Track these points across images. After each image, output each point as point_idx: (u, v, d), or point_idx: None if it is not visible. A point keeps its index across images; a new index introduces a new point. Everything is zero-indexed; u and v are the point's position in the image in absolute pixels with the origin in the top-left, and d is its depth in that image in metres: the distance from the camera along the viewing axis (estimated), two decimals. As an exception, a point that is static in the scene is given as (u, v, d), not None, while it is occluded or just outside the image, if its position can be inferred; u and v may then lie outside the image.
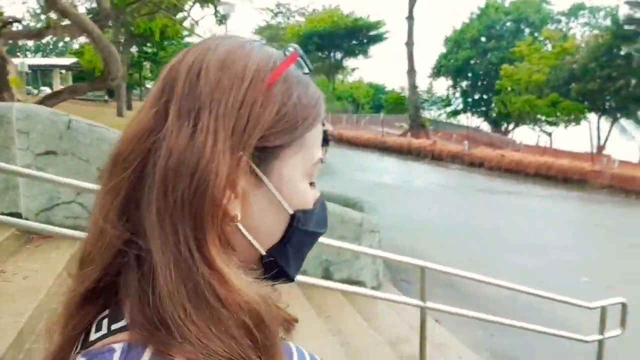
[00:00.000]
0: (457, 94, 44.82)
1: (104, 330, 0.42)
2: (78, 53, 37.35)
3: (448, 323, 4.99)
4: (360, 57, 44.70)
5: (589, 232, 9.15)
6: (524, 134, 35.14)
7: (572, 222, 9.90)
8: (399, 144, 21.19)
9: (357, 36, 40.89)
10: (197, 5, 24.11)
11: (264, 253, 0.48)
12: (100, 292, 0.44)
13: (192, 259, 0.41)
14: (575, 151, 19.71)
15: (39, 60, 39.77)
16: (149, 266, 0.41)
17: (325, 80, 47.37)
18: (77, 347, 0.44)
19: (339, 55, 43.21)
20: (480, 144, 21.47)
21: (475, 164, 17.34)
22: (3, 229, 3.61)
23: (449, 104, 46.28)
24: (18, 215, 4.03)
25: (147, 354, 0.39)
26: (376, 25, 40.58)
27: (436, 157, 18.76)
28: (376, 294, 4.05)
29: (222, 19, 24.91)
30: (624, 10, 26.82)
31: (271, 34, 46.36)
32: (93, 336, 0.42)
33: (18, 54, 40.63)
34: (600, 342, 3.08)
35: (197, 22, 25.78)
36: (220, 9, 12.70)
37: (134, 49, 35.49)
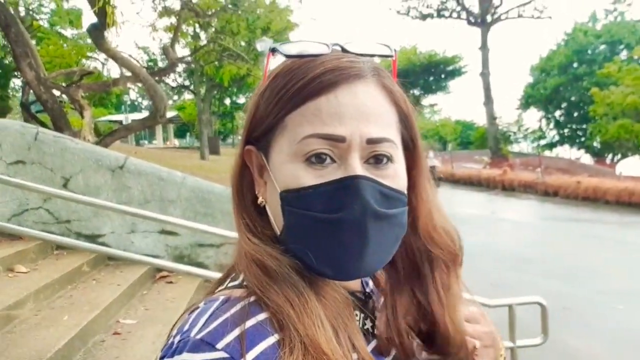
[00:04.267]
0: (551, 125, 41.79)
1: (224, 285, 0.56)
2: (180, 108, 41.50)
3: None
4: (439, 93, 43.98)
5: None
6: (634, 166, 31.48)
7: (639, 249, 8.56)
8: (468, 175, 20.15)
9: (434, 72, 40.39)
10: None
11: (277, 232, 0.55)
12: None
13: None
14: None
15: (143, 115, 44.37)
16: None
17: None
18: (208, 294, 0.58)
19: (416, 92, 42.87)
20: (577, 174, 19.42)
21: (549, 193, 15.85)
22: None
23: (542, 137, 43.25)
24: (-10, 219, 4.42)
25: (238, 306, 0.50)
26: (453, 60, 39.82)
27: (507, 187, 17.47)
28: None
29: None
30: None
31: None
32: (220, 288, 0.56)
33: (136, 112, 46.14)
34: (513, 352, 2.55)
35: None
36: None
37: (227, 101, 38.53)
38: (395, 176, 0.53)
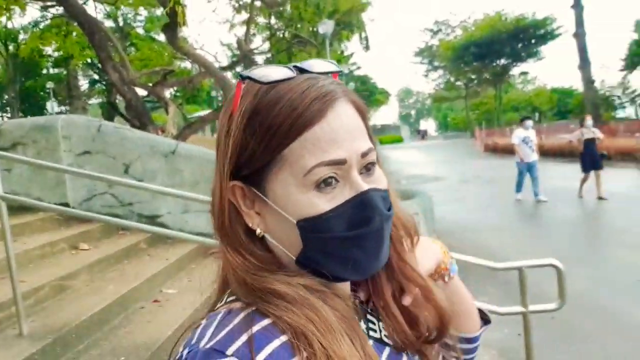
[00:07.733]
0: (664, 86, 37.07)
1: (223, 302, 0.58)
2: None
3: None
4: (530, 60, 40.69)
5: None
6: None
7: None
8: (558, 146, 18.68)
9: (522, 38, 37.42)
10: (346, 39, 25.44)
11: (293, 258, 0.56)
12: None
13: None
14: None
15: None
16: None
17: (491, 93, 44.32)
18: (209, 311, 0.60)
19: (503, 61, 40.10)
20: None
21: (654, 160, 14.14)
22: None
23: (654, 99, 38.52)
24: (66, 205, 4.98)
25: (241, 315, 0.52)
26: (544, 22, 36.54)
27: (603, 157, 15.79)
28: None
29: (366, 46, 25.74)
30: None
31: (430, 54, 45.77)
32: (218, 305, 0.58)
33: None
34: (525, 317, 2.40)
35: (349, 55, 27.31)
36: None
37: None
38: (380, 177, 0.58)
